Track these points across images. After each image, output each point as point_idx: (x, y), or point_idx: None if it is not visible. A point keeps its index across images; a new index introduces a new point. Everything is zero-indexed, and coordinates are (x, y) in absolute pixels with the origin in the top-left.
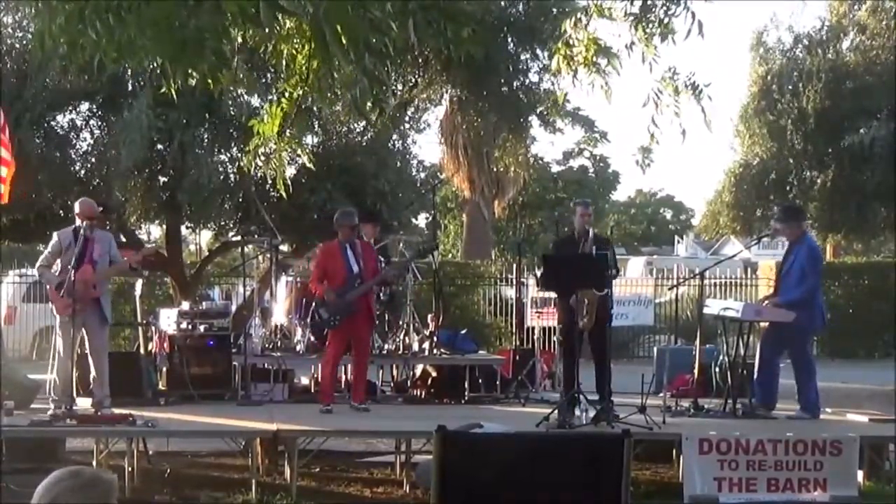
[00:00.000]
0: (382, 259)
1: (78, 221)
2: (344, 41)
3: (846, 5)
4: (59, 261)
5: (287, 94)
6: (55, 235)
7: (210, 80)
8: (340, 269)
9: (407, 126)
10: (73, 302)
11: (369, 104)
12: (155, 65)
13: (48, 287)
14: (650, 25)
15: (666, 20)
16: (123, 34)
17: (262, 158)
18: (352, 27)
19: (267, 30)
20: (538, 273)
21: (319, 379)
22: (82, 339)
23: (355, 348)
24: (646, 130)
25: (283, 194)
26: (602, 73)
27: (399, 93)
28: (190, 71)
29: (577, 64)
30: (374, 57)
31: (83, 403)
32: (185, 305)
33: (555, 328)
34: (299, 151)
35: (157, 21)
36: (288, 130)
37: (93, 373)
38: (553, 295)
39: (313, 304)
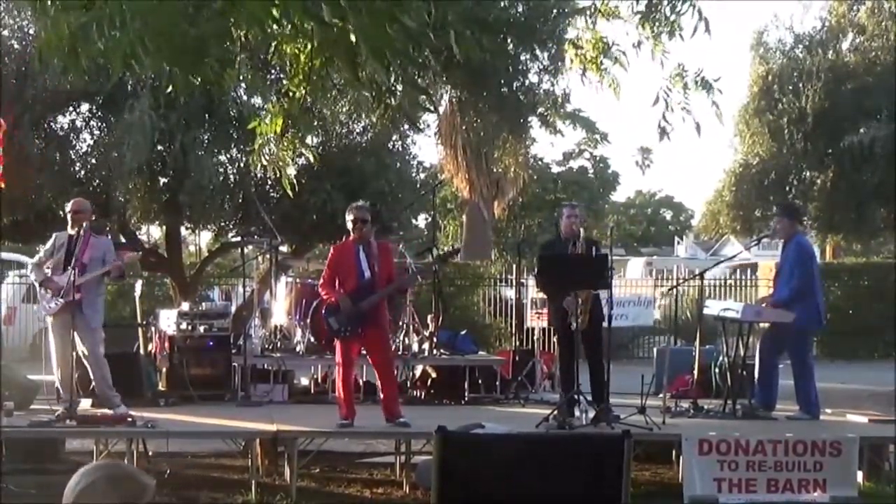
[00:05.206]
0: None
1: (70, 220)
2: (385, 53)
3: (845, 6)
4: (50, 261)
5: (290, 94)
6: (53, 236)
7: (215, 83)
8: (351, 274)
9: (406, 127)
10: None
11: (373, 110)
12: (161, 71)
13: (37, 286)
14: (657, 24)
15: (672, 17)
16: (128, 45)
17: (267, 158)
18: (387, 39)
19: (275, 29)
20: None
21: (336, 393)
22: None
23: (373, 361)
24: (647, 130)
25: (290, 193)
26: (608, 72)
27: (399, 93)
28: (195, 76)
29: (587, 62)
30: (414, 66)
31: (84, 404)
32: (185, 306)
33: (555, 329)
34: (304, 151)
35: (162, 31)
36: (291, 130)
37: (91, 375)
38: None
39: (323, 310)
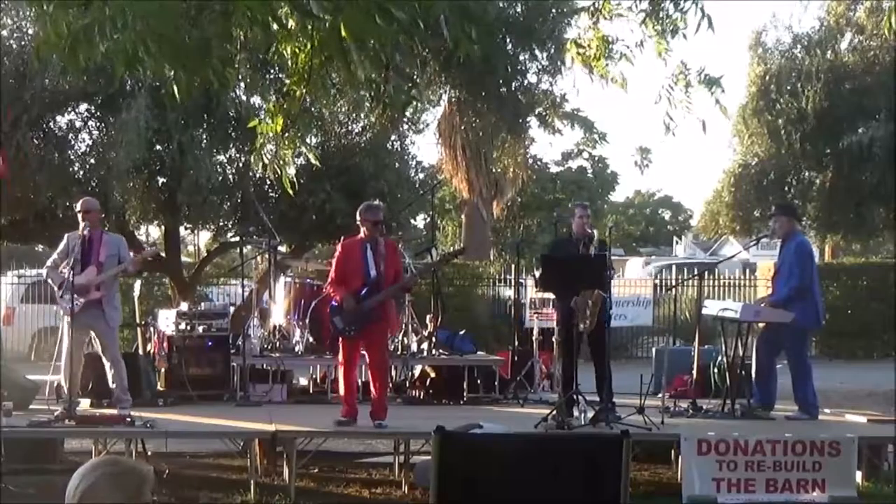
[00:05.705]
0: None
1: (80, 220)
2: (371, 44)
3: (844, 5)
4: (65, 262)
5: (290, 93)
6: (65, 237)
7: (217, 83)
8: (358, 272)
9: (406, 127)
10: (74, 302)
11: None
12: (163, 73)
13: (55, 288)
14: (660, 22)
15: (675, 15)
16: (130, 47)
17: (268, 157)
18: (375, 31)
19: (275, 29)
20: (537, 274)
21: (339, 392)
22: (89, 341)
23: (370, 359)
24: (646, 130)
25: (290, 192)
26: (614, 66)
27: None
28: (197, 78)
29: (591, 60)
30: (403, 56)
31: (83, 404)
32: (184, 306)
33: (553, 329)
34: (304, 150)
35: (164, 32)
36: (291, 129)
37: (109, 375)
38: (551, 296)
39: (328, 310)
